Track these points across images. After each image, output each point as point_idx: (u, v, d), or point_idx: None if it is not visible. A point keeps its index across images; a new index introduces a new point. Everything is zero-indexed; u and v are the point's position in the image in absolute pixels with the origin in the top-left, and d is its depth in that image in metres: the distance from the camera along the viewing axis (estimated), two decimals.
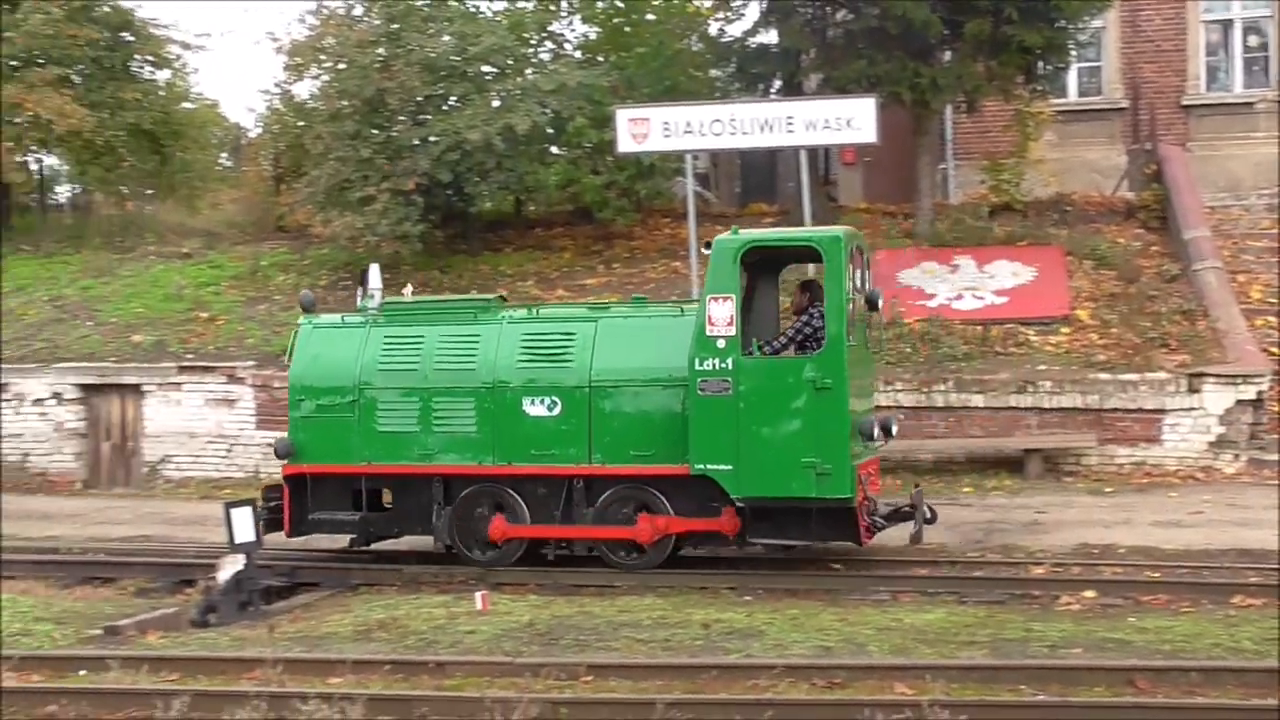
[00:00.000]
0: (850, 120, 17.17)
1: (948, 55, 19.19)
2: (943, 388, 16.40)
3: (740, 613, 10.29)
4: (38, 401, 18.88)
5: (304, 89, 21.86)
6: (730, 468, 11.12)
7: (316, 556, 13.18)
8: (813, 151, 20.12)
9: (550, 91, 19.71)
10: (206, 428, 18.49)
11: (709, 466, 11.19)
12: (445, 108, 20.10)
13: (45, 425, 18.85)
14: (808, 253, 12.15)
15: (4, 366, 19.07)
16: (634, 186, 20.53)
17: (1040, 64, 19.39)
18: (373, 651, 9.45)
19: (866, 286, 11.94)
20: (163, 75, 24.33)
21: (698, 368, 11.15)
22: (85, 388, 18.88)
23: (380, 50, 19.76)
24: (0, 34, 21.41)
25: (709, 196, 24.15)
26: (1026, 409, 16.15)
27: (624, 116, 18.17)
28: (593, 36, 23.41)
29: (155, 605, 11.58)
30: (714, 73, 22.81)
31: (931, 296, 17.99)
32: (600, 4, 23.10)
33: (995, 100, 20.24)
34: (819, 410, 10.95)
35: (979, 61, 18.93)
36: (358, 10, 21.05)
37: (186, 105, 24.64)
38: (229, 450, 18.45)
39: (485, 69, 20.43)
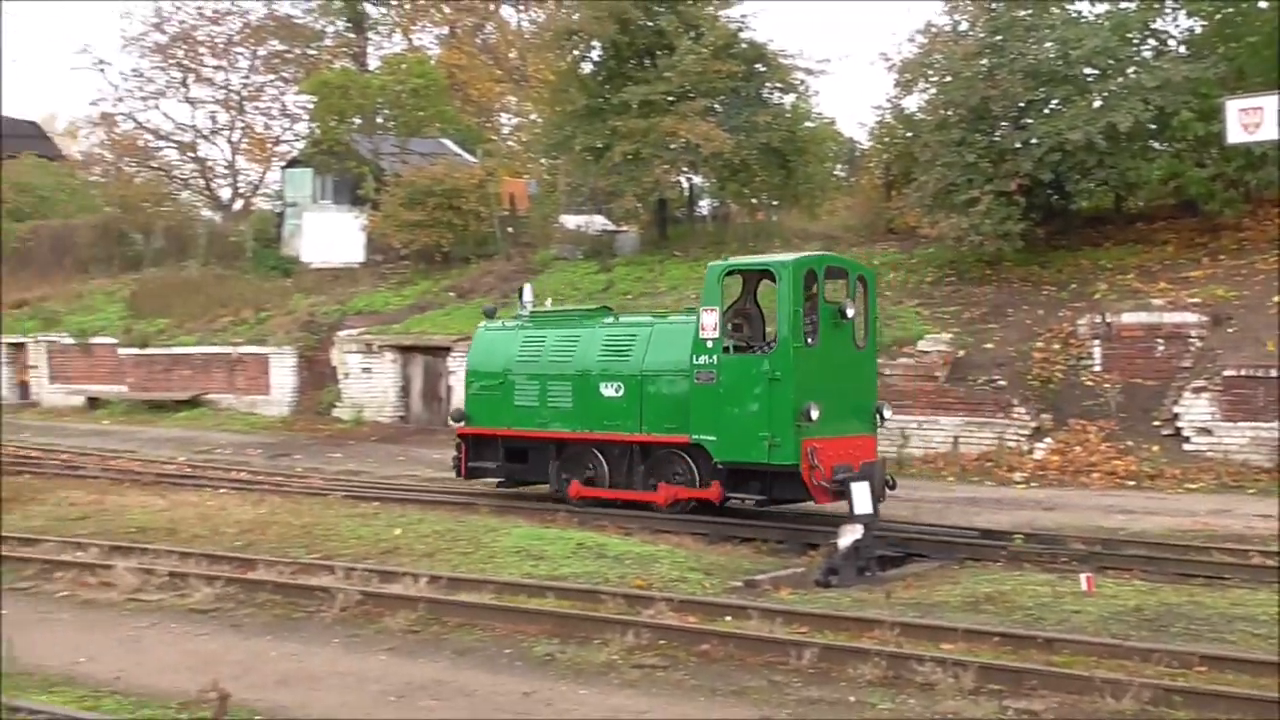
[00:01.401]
0: None
1: None
2: None
3: None
4: None
5: (912, 102, 21.92)
6: (715, 438, 13.29)
7: (927, 530, 13.14)
8: None
9: (1154, 88, 18.33)
10: None
11: (701, 437, 13.39)
12: (1047, 111, 19.34)
13: None
14: (767, 274, 13.67)
15: None
16: (1243, 177, 18.58)
17: None
18: (982, 622, 9.24)
19: (851, 310, 13.33)
20: (789, 99, 25.32)
21: (694, 362, 13.44)
22: None
23: (984, 61, 19.35)
24: (659, 73, 23.31)
25: None
26: None
27: (1234, 107, 16.54)
28: (1198, 30, 21.39)
29: (784, 564, 12.06)
30: None
31: None
32: None
33: None
34: (771, 396, 12.89)
35: None
36: (963, 26, 20.72)
37: (808, 124, 25.47)
38: None
39: (1087, 70, 19.39)
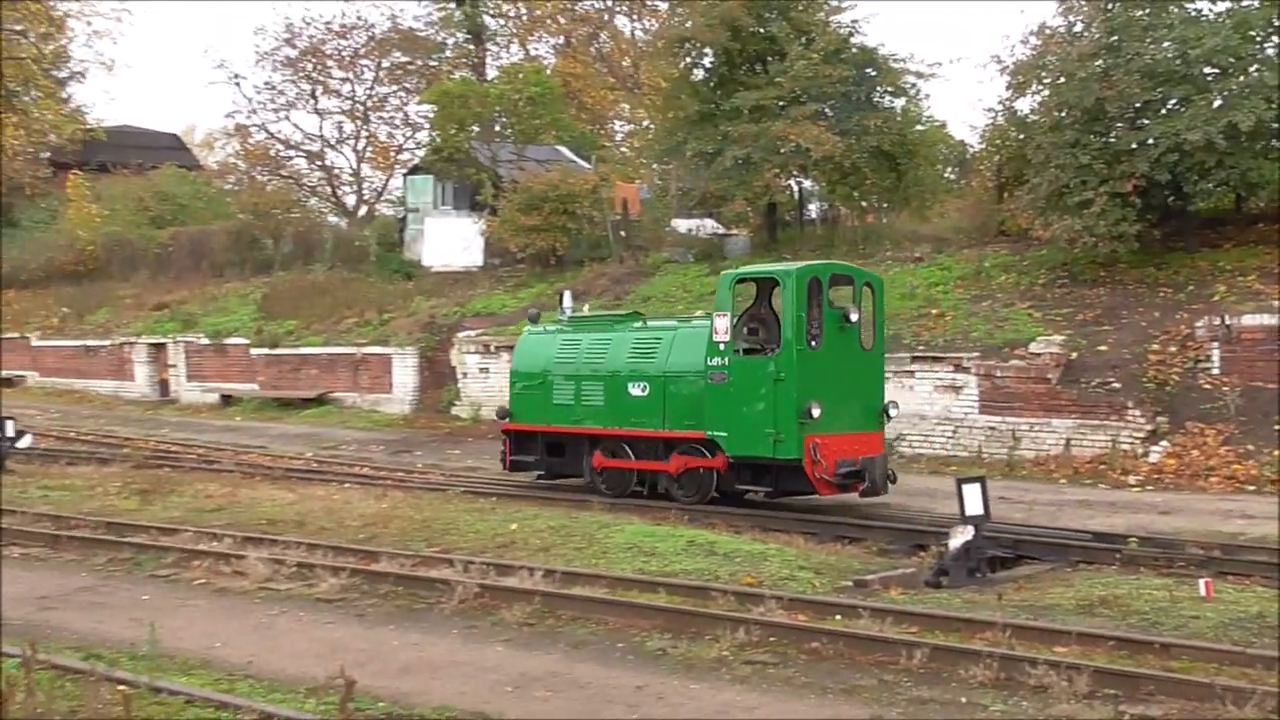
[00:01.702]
0: None
1: None
2: None
3: None
4: None
5: (1025, 104, 21.44)
6: (726, 434, 13.98)
7: (1039, 533, 12.84)
8: None
9: (1277, 86, 17.60)
10: (935, 411, 18.72)
11: (715, 433, 14.08)
12: (1164, 111, 18.72)
13: None
14: (773, 282, 14.36)
15: None
16: None
17: None
18: (1096, 626, 8.99)
19: (855, 315, 13.92)
20: (899, 102, 24.98)
21: (708, 364, 14.12)
22: None
23: (1099, 62, 18.82)
24: (771, 78, 23.21)
25: None
26: None
27: None
28: None
29: (894, 564, 11.89)
30: None
31: None
32: None
33: None
34: (776, 395, 13.55)
35: None
36: (1078, 27, 20.20)
37: (919, 127, 25.06)
38: (954, 432, 18.54)
39: (1206, 70, 18.71)
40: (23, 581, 11.36)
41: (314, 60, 45.90)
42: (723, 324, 14.02)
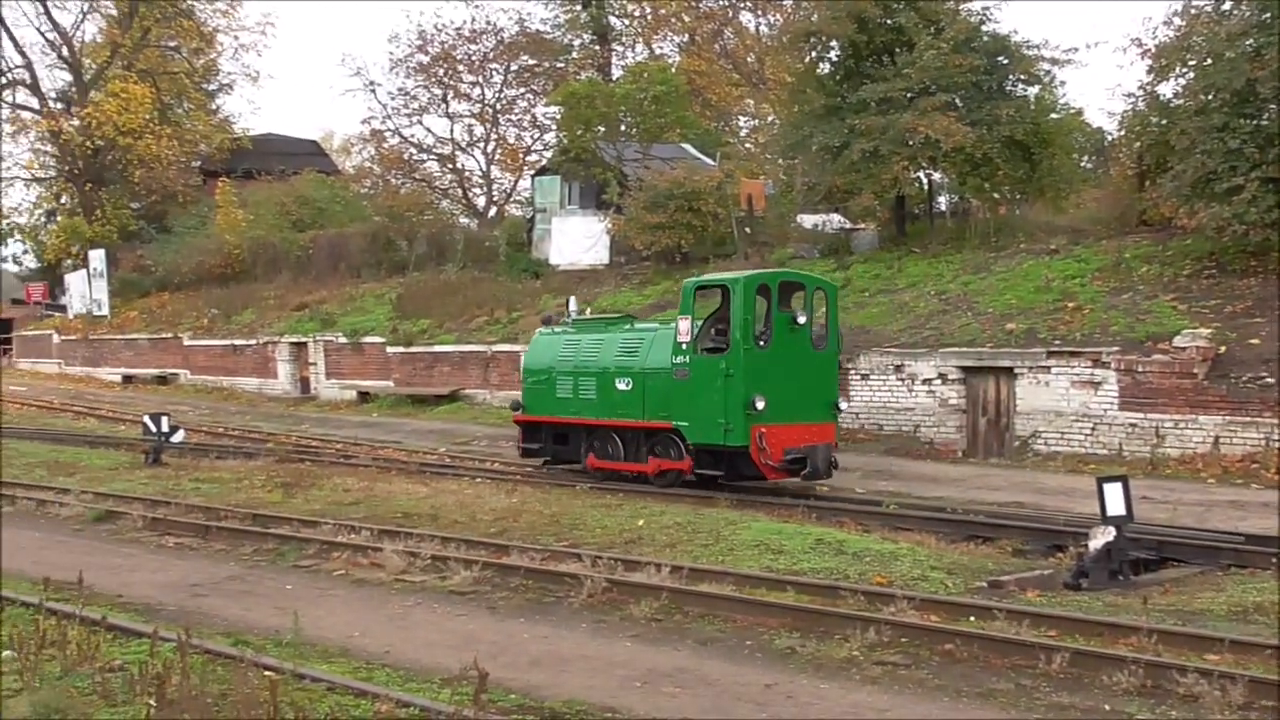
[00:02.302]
0: None
1: None
2: None
3: None
4: (926, 381, 19.76)
5: (1168, 88, 20.59)
6: (688, 424, 15.37)
7: (1186, 534, 12.30)
8: None
9: None
10: (1072, 407, 18.11)
11: (679, 423, 15.46)
12: None
13: (932, 401, 19.68)
14: (724, 289, 15.63)
15: (898, 350, 20.23)
16: None
17: None
18: (1252, 634, 8.54)
19: (803, 317, 15.37)
20: (1032, 90, 24.24)
21: (673, 361, 15.49)
22: (965, 369, 19.42)
23: (1250, 41, 17.95)
24: (898, 70, 22.78)
25: None
26: None
27: None
28: None
29: (1031, 565, 11.53)
30: None
31: None
32: None
33: None
34: (726, 390, 14.86)
35: None
36: (1226, 5, 19.30)
37: (1054, 115, 24.27)
38: (1093, 429, 17.90)
39: None
40: (176, 569, 11.80)
41: (445, 65, 46.77)
42: (685, 326, 15.48)
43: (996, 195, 25.92)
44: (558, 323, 18.77)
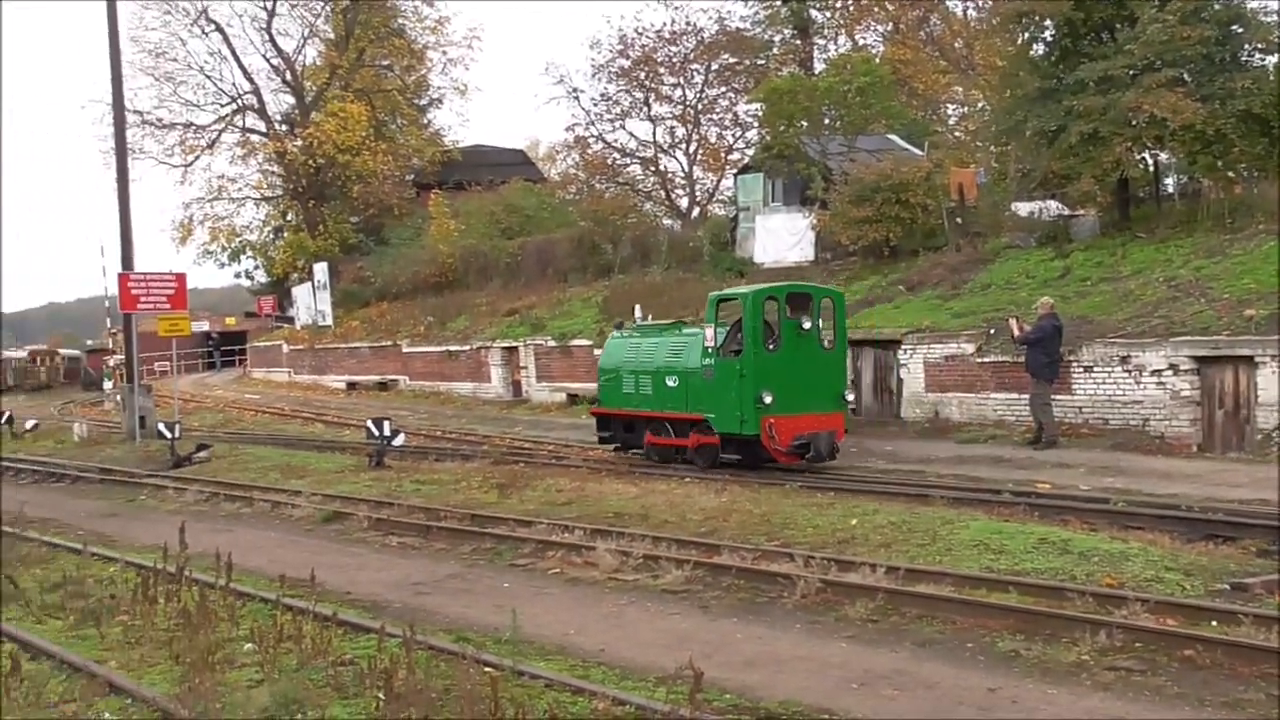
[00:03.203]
0: None
1: None
2: None
3: None
4: (1155, 372, 18.77)
5: None
6: (714, 415, 17.89)
7: None
8: None
9: None
10: None
11: (708, 415, 18.01)
12: None
13: (1162, 393, 18.67)
14: (728, 306, 18.28)
15: (1123, 340, 19.29)
16: None
17: None
18: None
19: (808, 323, 17.61)
20: (1271, 60, 22.69)
21: (702, 362, 18.13)
22: (1199, 359, 18.36)
23: None
24: (1119, 46, 21.71)
25: None
26: None
27: None
28: None
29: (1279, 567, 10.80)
30: None
31: None
32: None
33: None
34: (741, 387, 17.38)
35: None
36: None
37: None
38: None
39: None
40: (400, 568, 12.35)
41: (646, 69, 47.37)
42: (710, 333, 18.08)
43: (1231, 174, 24.38)
44: (626, 328, 21.06)
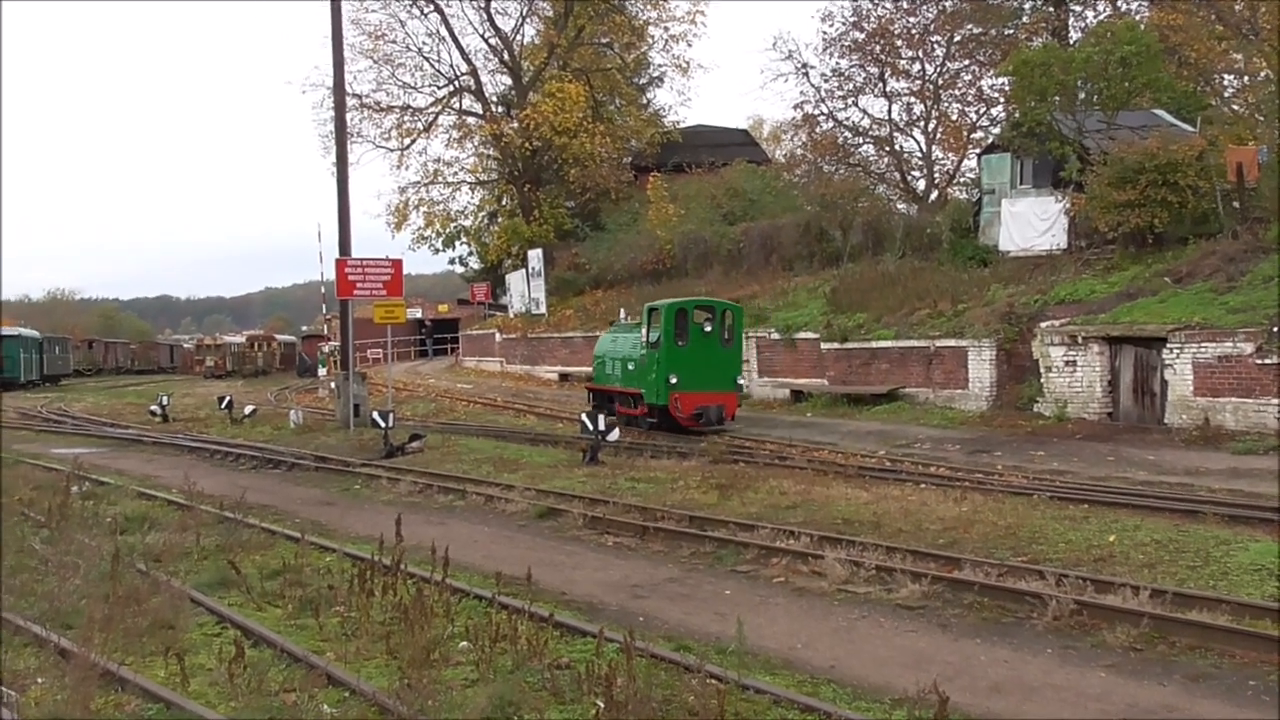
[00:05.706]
0: None
1: None
2: None
3: None
4: None
5: None
6: (644, 391, 26.08)
7: None
8: None
9: None
10: None
11: (643, 391, 26.13)
12: None
13: None
14: (655, 313, 26.06)
15: None
16: None
17: None
18: None
19: (710, 326, 26.01)
20: None
21: (640, 350, 26.34)
22: None
23: None
24: None
25: None
26: None
27: None
28: None
29: None
30: None
31: None
32: None
33: None
34: (658, 371, 25.45)
35: None
36: None
37: None
38: None
39: None
40: (616, 569, 12.51)
41: (882, 42, 46.48)
42: (644, 332, 26.14)
43: None
44: (612, 327, 29.42)
